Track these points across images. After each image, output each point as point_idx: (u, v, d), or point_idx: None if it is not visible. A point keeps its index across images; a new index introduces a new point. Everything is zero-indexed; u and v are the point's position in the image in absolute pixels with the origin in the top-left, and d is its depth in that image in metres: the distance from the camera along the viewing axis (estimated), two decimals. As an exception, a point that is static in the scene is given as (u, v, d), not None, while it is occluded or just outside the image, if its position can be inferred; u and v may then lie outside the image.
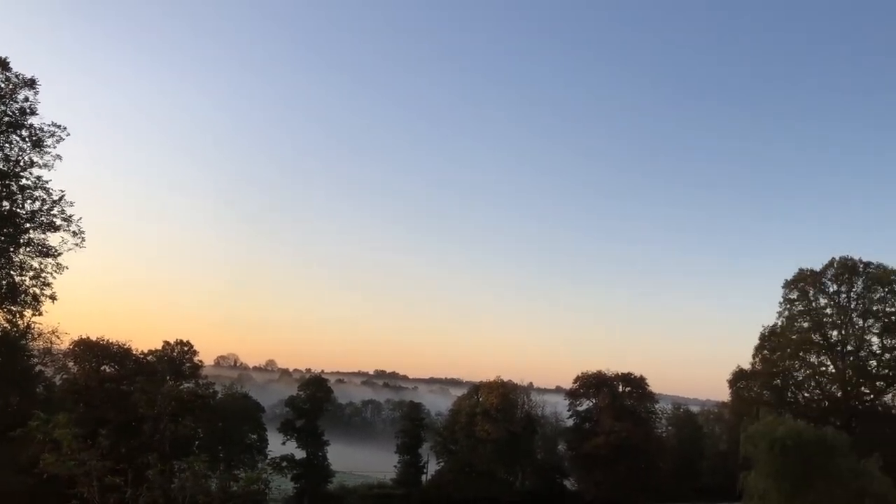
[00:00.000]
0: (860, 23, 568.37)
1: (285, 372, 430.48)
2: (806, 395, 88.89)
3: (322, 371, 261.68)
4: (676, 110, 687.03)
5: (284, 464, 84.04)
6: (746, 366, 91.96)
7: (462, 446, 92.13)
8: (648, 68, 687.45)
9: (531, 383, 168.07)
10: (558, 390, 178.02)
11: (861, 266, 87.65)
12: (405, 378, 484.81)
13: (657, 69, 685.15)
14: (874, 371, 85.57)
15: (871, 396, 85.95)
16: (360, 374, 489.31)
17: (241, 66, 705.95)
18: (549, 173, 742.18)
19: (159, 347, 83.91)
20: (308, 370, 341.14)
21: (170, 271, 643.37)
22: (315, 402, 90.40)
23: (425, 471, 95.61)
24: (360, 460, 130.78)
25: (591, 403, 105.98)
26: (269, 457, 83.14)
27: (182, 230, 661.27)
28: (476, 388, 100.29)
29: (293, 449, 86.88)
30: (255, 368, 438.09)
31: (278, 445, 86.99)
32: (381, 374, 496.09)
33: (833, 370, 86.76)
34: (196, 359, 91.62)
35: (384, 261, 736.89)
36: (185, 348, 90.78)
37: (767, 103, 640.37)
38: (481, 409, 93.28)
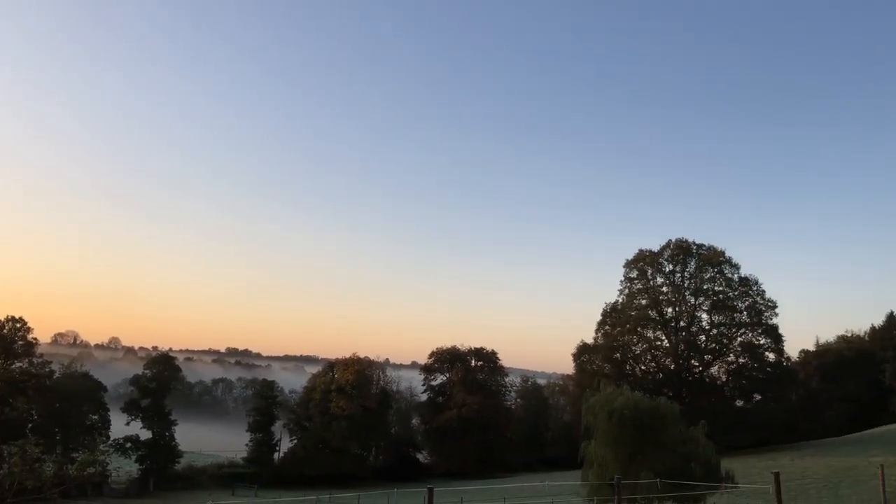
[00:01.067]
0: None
1: (130, 350, 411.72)
2: (643, 367, 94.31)
3: (170, 349, 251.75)
4: (541, 84, 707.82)
5: (129, 445, 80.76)
6: (590, 340, 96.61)
7: (316, 423, 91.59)
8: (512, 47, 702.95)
9: (387, 359, 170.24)
10: (414, 365, 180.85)
11: (694, 248, 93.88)
12: (258, 356, 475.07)
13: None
14: (703, 345, 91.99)
15: (700, 368, 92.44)
16: (210, 352, 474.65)
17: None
18: (399, 145, 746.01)
19: (-14, 325, 78.61)
20: (155, 348, 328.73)
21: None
22: (162, 381, 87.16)
23: (278, 448, 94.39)
24: (210, 440, 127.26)
25: (444, 378, 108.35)
26: (111, 438, 79.71)
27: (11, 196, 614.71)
28: (331, 365, 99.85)
29: (139, 429, 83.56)
30: (97, 346, 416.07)
31: (122, 426, 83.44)
32: (233, 351, 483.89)
33: (667, 344, 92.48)
34: (30, 336, 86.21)
35: (237, 236, 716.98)
36: (18, 325, 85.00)
37: (620, 84, 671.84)
38: (336, 385, 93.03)
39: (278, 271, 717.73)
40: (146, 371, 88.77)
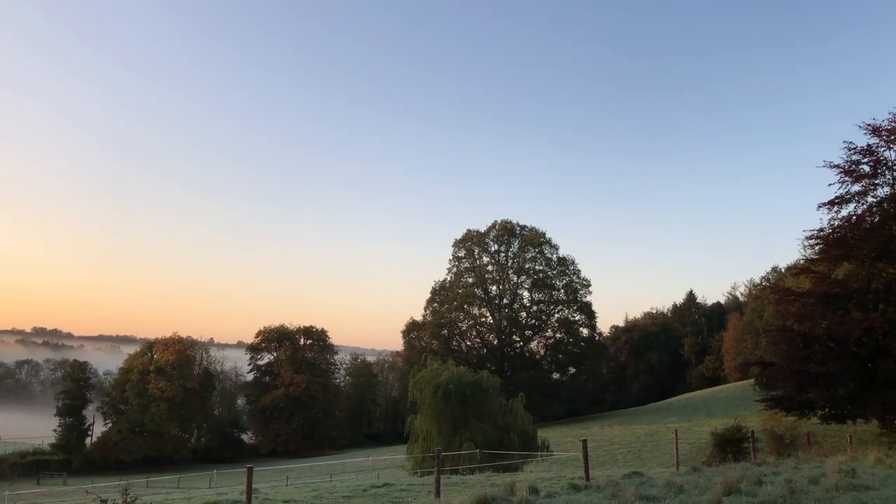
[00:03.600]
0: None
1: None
2: (468, 343, 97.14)
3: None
4: (373, 70, 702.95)
5: None
6: (420, 318, 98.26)
7: (133, 406, 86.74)
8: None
9: (212, 339, 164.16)
10: (240, 345, 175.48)
11: (518, 228, 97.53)
12: (69, 336, 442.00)
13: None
14: (524, 322, 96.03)
15: (521, 343, 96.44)
16: (14, 331, 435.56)
17: None
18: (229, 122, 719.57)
19: None
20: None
21: None
22: (-48, 364, 78.98)
23: (90, 433, 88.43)
24: (13, 426, 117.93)
25: (272, 357, 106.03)
26: None
27: None
28: (150, 346, 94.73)
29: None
30: None
31: None
32: (40, 331, 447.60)
33: (492, 321, 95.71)
34: None
35: (39, 204, 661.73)
36: None
37: (439, 65, 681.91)
38: (155, 366, 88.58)
39: (89, 245, 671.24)
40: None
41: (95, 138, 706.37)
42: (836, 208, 34.92)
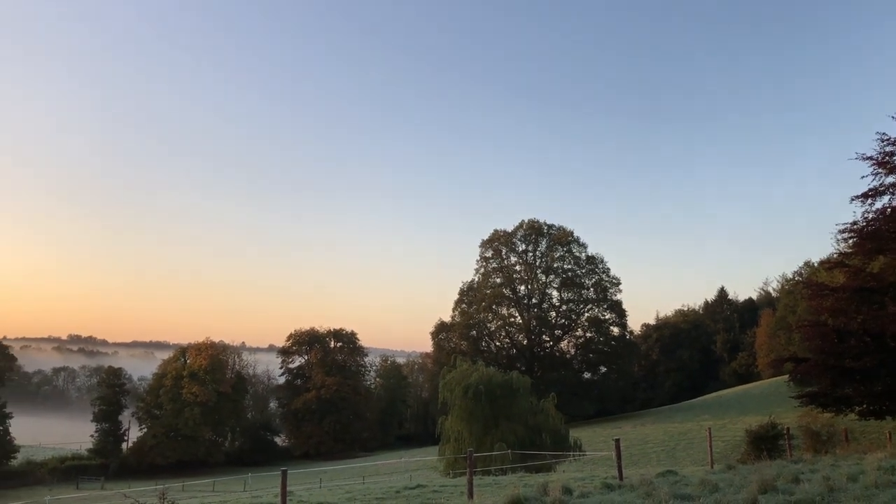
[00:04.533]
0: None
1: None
2: (497, 343, 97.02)
3: (3, 337, 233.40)
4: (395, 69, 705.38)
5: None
6: (448, 319, 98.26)
7: (167, 410, 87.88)
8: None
9: (244, 343, 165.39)
10: (271, 349, 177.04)
11: (545, 228, 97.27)
12: (104, 342, 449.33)
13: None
14: (553, 321, 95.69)
15: (550, 343, 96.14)
16: (50, 339, 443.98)
17: None
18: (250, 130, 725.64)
19: None
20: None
21: None
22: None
23: (126, 438, 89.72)
24: (52, 432, 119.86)
25: (303, 360, 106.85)
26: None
27: None
28: (183, 351, 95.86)
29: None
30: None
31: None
32: (75, 338, 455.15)
33: (520, 321, 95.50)
34: None
35: (76, 216, 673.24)
36: None
37: (462, 65, 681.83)
38: (189, 371, 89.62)
39: (122, 252, 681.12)
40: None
41: (121, 140, 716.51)
42: (869, 201, 34.20)
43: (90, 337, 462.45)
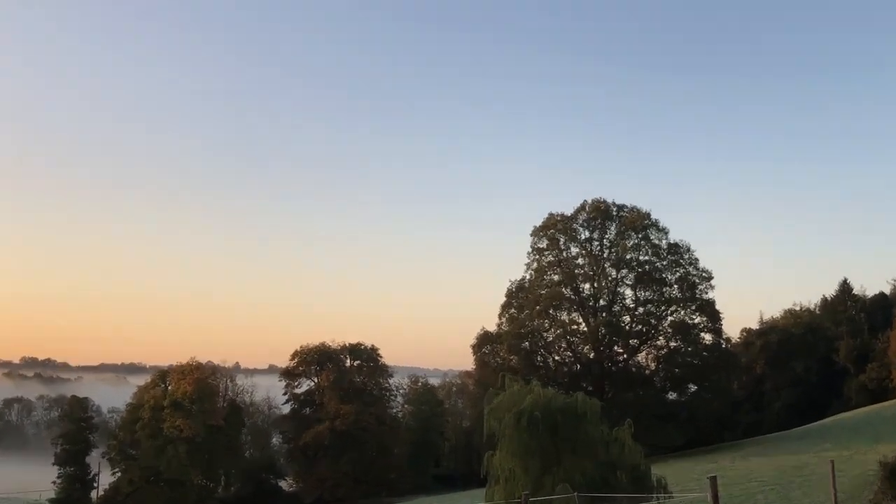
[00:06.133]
0: None
1: None
2: (557, 357, 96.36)
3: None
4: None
5: None
6: (493, 328, 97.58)
7: (146, 449, 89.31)
8: None
9: (237, 363, 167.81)
10: (272, 370, 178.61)
11: (614, 209, 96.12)
12: (65, 366, 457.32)
13: None
14: (627, 328, 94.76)
15: (624, 356, 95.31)
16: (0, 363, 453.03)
17: None
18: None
19: None
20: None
21: None
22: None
23: (96, 484, 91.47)
24: (5, 478, 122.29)
25: (312, 383, 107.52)
26: None
27: None
28: (163, 375, 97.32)
29: None
30: None
31: None
32: (31, 361, 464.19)
33: (585, 328, 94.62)
34: None
35: (35, 223, 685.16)
36: None
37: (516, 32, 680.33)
38: (171, 399, 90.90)
39: (85, 257, 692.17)
40: None
41: (95, 137, 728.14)
42: None
43: (48, 360, 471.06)
